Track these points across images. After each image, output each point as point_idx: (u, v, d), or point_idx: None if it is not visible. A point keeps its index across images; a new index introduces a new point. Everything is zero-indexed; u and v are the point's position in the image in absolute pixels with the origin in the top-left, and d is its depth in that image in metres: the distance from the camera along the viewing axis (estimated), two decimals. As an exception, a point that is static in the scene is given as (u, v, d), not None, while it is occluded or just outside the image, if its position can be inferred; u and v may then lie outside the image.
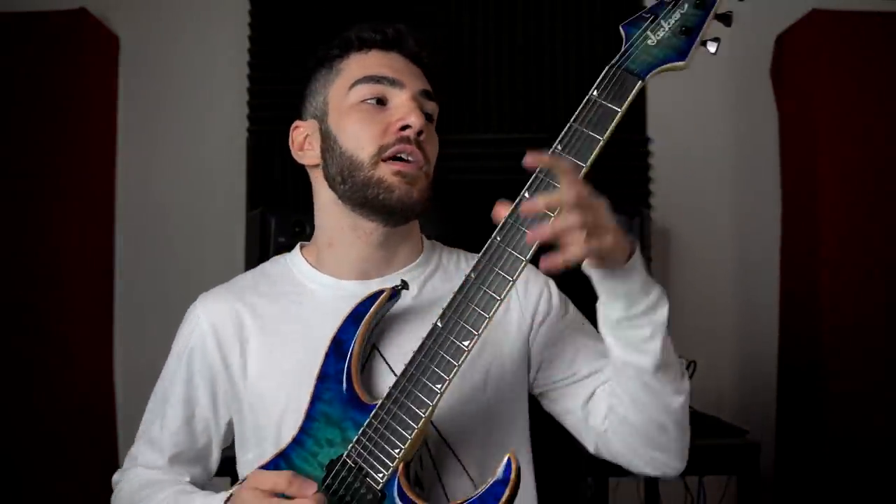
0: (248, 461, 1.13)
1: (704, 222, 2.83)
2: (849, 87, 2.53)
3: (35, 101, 2.52)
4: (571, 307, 1.21)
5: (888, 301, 2.48)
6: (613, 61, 0.91)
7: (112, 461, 2.67)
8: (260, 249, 2.24)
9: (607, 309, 0.98)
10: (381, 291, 1.05)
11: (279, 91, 2.74)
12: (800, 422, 2.65)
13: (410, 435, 0.92)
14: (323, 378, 1.02)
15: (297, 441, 1.01)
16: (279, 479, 0.92)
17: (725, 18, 0.90)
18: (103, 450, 2.65)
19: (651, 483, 2.44)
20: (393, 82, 1.08)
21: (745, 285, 2.84)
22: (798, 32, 2.64)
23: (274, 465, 1.01)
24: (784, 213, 2.79)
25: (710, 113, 2.80)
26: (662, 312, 0.98)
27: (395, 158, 1.06)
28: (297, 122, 1.19)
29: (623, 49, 0.91)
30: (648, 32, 0.90)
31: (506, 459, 0.91)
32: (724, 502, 2.52)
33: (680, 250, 2.81)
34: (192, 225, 2.77)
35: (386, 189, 1.05)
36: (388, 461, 0.93)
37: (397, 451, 0.93)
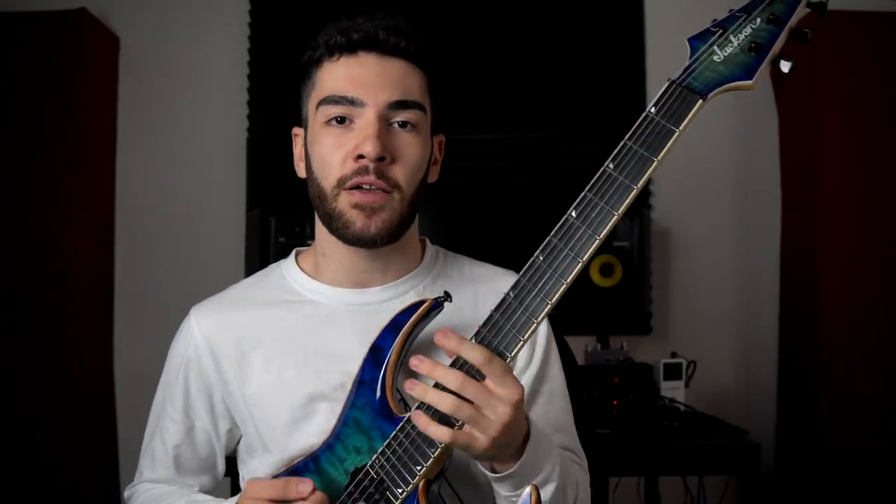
0: (254, 468, 1.13)
1: (704, 222, 2.83)
2: (849, 87, 2.53)
3: (35, 101, 2.52)
4: (553, 370, 1.15)
5: (888, 301, 2.47)
6: (675, 77, 0.85)
7: (112, 461, 2.67)
8: (260, 249, 2.24)
9: (495, 485, 0.96)
10: (422, 302, 1.02)
11: (279, 91, 2.74)
12: (800, 422, 2.65)
13: (434, 453, 0.90)
14: (360, 384, 1.01)
15: (328, 445, 1.01)
16: (275, 485, 0.92)
17: (801, 35, 0.85)
18: (103, 449, 2.65)
19: (651, 483, 2.44)
20: (353, 102, 1.02)
21: (745, 285, 2.84)
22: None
23: (303, 464, 1.02)
24: (784, 214, 2.79)
25: (709, 112, 2.79)
26: (548, 489, 0.95)
27: (357, 187, 1.02)
28: (295, 129, 1.16)
29: (687, 64, 0.85)
30: (715, 48, 0.84)
31: (527, 491, 0.90)
32: (724, 502, 2.52)
33: (680, 250, 2.81)
34: (191, 225, 2.77)
35: (344, 224, 1.02)
36: (409, 477, 0.92)
37: (419, 468, 0.91)
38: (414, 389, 0.87)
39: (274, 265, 1.20)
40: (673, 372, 2.26)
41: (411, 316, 1.01)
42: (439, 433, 0.86)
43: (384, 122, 1.02)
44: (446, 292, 1.02)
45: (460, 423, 0.87)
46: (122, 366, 2.73)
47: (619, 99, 2.79)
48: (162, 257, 2.76)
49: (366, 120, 1.02)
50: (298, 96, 1.14)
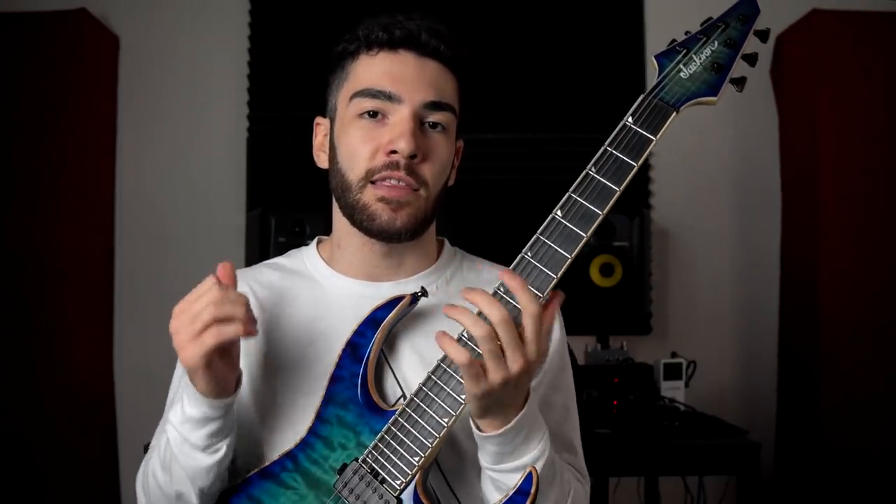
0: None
1: (704, 222, 2.83)
2: (849, 87, 2.53)
3: (35, 101, 2.52)
4: (566, 380, 1.15)
5: (888, 301, 2.48)
6: (649, 91, 0.93)
7: (112, 461, 2.67)
8: (260, 249, 2.24)
9: (480, 452, 0.96)
10: (401, 298, 1.03)
11: (279, 91, 2.74)
12: (800, 422, 2.65)
13: (432, 443, 0.91)
14: (336, 380, 1.01)
15: (305, 442, 1.00)
16: (189, 300, 0.89)
17: (751, 59, 0.93)
18: (103, 449, 2.65)
19: (651, 483, 2.44)
20: (390, 97, 1.03)
21: (745, 285, 2.84)
22: (798, 32, 2.64)
23: (280, 465, 1.00)
24: (784, 213, 2.79)
25: (709, 112, 2.80)
26: (529, 457, 0.93)
27: (385, 180, 1.04)
28: (318, 118, 1.16)
29: (658, 80, 0.94)
30: (681, 66, 0.93)
31: (527, 472, 0.91)
32: (724, 502, 2.52)
33: (680, 250, 2.82)
34: (192, 225, 2.77)
35: (369, 216, 1.03)
36: (406, 468, 0.93)
37: (417, 458, 0.92)
38: (453, 311, 0.86)
39: (296, 250, 1.21)
40: (673, 372, 2.26)
41: (389, 311, 1.02)
42: (459, 354, 0.85)
43: (418, 121, 1.04)
44: (423, 288, 1.05)
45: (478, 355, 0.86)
46: (122, 366, 2.73)
47: (619, 99, 2.78)
48: (162, 257, 2.76)
49: (400, 116, 1.03)
50: (326, 86, 1.13)
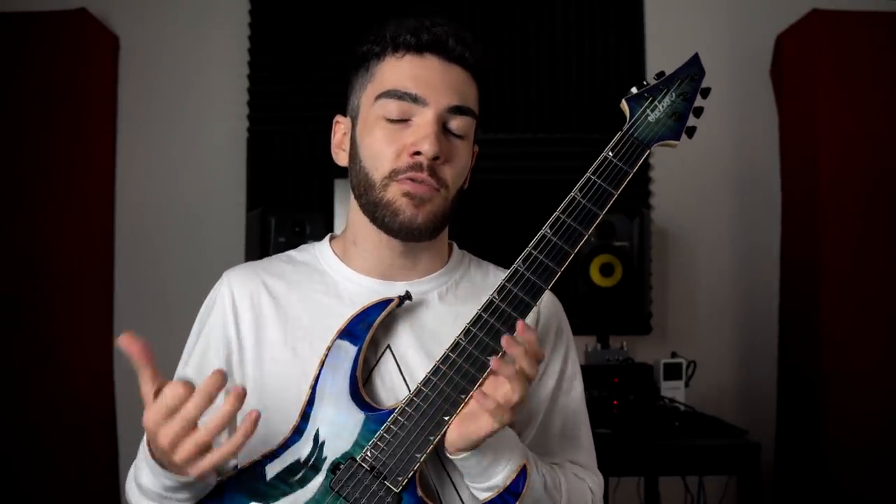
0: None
1: (704, 222, 2.83)
2: (848, 87, 2.53)
3: (35, 100, 2.52)
4: (573, 383, 1.18)
5: (887, 302, 2.48)
6: (624, 130, 1.06)
7: (112, 461, 2.67)
8: (260, 249, 2.24)
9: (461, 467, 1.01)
10: (391, 300, 1.05)
11: (279, 91, 2.74)
12: (800, 422, 2.65)
13: (434, 440, 0.94)
14: (325, 377, 1.01)
15: (294, 440, 1.00)
16: (172, 398, 0.90)
17: (698, 112, 1.08)
18: (103, 450, 2.65)
19: (651, 483, 2.44)
20: (416, 99, 1.05)
21: (745, 285, 2.85)
22: (798, 32, 2.64)
23: (267, 463, 0.99)
24: (784, 213, 2.79)
25: (709, 113, 2.78)
26: (499, 479, 0.98)
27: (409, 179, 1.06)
28: (338, 117, 1.17)
29: (631, 121, 1.06)
30: (648, 111, 1.07)
31: (521, 470, 0.94)
32: (724, 502, 2.52)
33: (680, 250, 2.82)
34: (192, 225, 2.77)
35: (392, 212, 1.05)
36: (409, 465, 0.94)
37: (420, 455, 0.94)
38: (511, 347, 0.91)
39: (307, 245, 1.22)
40: (673, 372, 2.26)
41: (380, 312, 1.05)
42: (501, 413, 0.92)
43: (441, 124, 1.06)
44: (407, 291, 1.08)
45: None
46: (122, 366, 2.73)
47: (618, 99, 2.79)
48: (162, 257, 2.76)
49: (425, 118, 1.05)
50: (347, 85, 1.15)
